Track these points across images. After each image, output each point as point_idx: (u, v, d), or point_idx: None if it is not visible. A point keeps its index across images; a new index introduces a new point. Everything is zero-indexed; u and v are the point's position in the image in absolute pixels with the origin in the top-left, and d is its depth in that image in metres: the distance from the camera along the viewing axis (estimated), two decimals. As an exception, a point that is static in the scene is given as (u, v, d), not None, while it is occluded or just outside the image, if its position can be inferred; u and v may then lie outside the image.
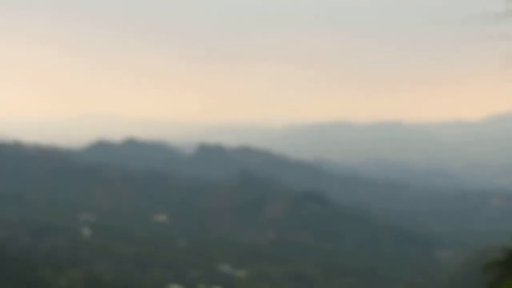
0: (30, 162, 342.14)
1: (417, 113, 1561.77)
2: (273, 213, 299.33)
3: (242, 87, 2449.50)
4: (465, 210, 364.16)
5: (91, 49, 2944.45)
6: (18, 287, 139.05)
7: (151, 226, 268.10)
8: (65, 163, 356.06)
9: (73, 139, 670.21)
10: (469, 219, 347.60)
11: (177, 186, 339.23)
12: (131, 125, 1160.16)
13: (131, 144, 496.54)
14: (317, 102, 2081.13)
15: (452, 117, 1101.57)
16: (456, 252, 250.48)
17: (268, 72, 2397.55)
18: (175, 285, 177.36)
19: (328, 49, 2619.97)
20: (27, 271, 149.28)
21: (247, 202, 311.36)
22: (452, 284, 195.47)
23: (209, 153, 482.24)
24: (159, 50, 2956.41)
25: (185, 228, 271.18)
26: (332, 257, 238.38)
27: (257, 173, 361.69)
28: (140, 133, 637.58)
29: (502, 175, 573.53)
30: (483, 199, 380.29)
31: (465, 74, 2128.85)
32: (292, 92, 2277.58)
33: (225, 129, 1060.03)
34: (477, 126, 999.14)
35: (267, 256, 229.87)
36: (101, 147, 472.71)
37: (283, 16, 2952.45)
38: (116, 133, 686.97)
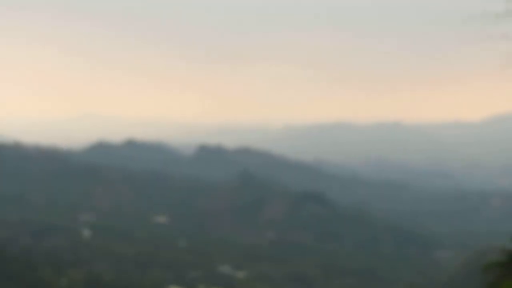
0: (30, 163, 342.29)
1: (417, 113, 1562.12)
2: (273, 214, 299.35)
3: (242, 87, 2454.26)
4: (465, 210, 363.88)
5: (91, 49, 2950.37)
6: (18, 287, 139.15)
7: (151, 226, 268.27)
8: (65, 163, 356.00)
9: (73, 140, 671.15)
10: (469, 219, 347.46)
11: (177, 187, 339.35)
12: (131, 125, 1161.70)
13: (131, 145, 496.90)
14: (317, 102, 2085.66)
15: (452, 118, 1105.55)
16: (456, 252, 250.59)
17: (268, 72, 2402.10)
18: (175, 286, 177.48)
19: (328, 49, 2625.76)
20: (27, 271, 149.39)
21: (247, 203, 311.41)
22: (452, 284, 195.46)
23: (209, 154, 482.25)
24: (159, 50, 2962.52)
25: (185, 228, 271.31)
26: (332, 258, 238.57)
27: (257, 173, 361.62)
28: (140, 134, 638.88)
29: (502, 175, 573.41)
30: (483, 200, 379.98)
31: (465, 74, 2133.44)
32: (292, 92, 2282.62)
33: (225, 130, 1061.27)
34: (477, 127, 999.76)
35: (267, 257, 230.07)
36: (101, 148, 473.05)
37: (283, 16, 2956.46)
38: (116, 133, 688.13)
